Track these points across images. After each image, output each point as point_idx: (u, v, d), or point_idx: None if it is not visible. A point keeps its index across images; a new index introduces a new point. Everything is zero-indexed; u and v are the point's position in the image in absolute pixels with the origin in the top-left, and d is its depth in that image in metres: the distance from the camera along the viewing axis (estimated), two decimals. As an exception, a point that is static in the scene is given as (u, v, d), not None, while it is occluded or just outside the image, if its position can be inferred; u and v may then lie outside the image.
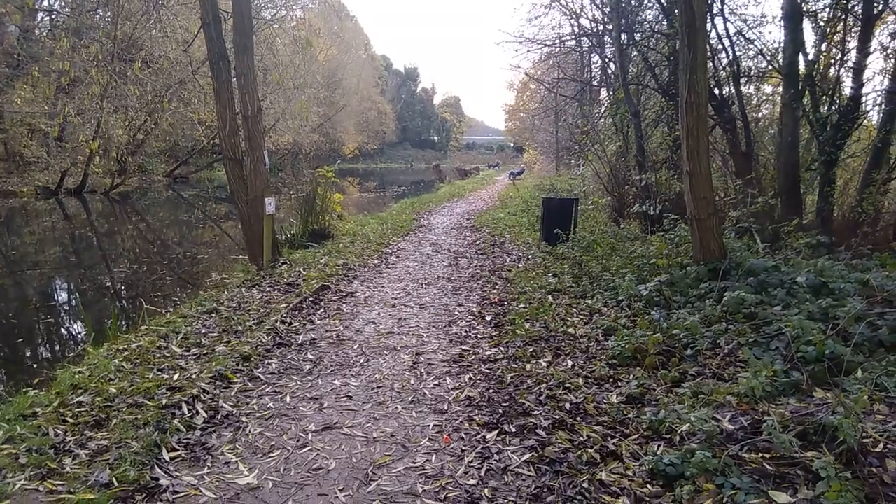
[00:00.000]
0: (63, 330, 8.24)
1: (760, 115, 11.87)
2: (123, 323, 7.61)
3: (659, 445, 3.58)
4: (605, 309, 6.51)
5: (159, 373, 4.86)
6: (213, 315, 6.63)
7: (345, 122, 60.44)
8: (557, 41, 22.49)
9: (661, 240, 8.19)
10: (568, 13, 21.41)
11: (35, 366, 6.58)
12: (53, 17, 24.57)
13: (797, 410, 3.58)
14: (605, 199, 14.56)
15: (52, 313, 8.88)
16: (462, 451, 3.74)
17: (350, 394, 4.65)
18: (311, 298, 7.43)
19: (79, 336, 7.78)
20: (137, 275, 11.25)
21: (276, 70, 15.24)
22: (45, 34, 24.01)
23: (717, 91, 10.15)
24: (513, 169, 47.77)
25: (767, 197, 8.44)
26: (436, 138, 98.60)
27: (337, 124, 56.75)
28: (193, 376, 4.76)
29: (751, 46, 11.42)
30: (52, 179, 24.25)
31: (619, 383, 4.58)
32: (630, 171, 13.08)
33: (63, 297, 10.26)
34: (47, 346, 7.55)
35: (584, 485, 3.27)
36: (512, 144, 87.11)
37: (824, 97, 9.15)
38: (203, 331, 6.06)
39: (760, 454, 3.27)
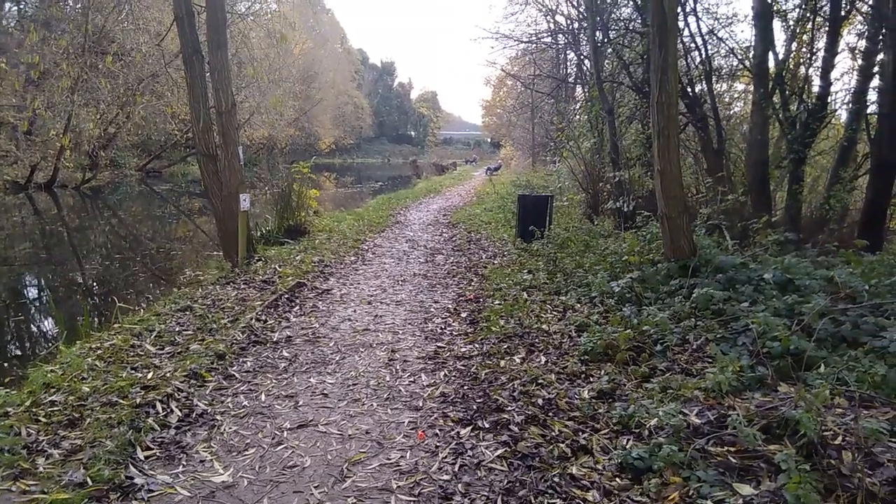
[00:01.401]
0: (34, 328, 8.13)
1: (732, 112, 12.08)
2: (96, 320, 7.53)
3: (628, 440, 3.67)
4: (579, 305, 6.60)
5: (133, 371, 4.84)
6: (188, 312, 6.60)
7: (321, 116, 60.08)
8: (534, 38, 22.59)
9: (633, 237, 8.31)
10: (544, 10, 21.54)
11: (6, 364, 6.49)
12: (22, 7, 24.06)
13: (762, 405, 3.69)
14: (580, 195, 14.72)
15: (23, 311, 8.75)
16: (436, 447, 3.79)
17: (325, 391, 4.68)
18: (286, 296, 7.43)
19: (50, 334, 7.68)
20: (110, 271, 11.12)
21: (250, 64, 15.10)
22: (13, 25, 23.50)
23: (689, 89, 10.31)
24: (490, 164, 47.92)
25: (738, 194, 8.61)
26: (413, 133, 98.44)
27: (313, 119, 56.38)
28: (168, 375, 4.75)
29: (722, 45, 11.62)
30: (22, 174, 23.77)
31: (591, 379, 4.66)
32: (604, 168, 13.24)
33: (34, 294, 10.11)
34: (18, 344, 7.45)
35: (556, 479, 3.34)
36: (489, 140, 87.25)
37: (793, 96, 9.35)
38: (177, 329, 6.03)
39: (726, 447, 3.37)
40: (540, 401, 4.29)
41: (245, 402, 4.47)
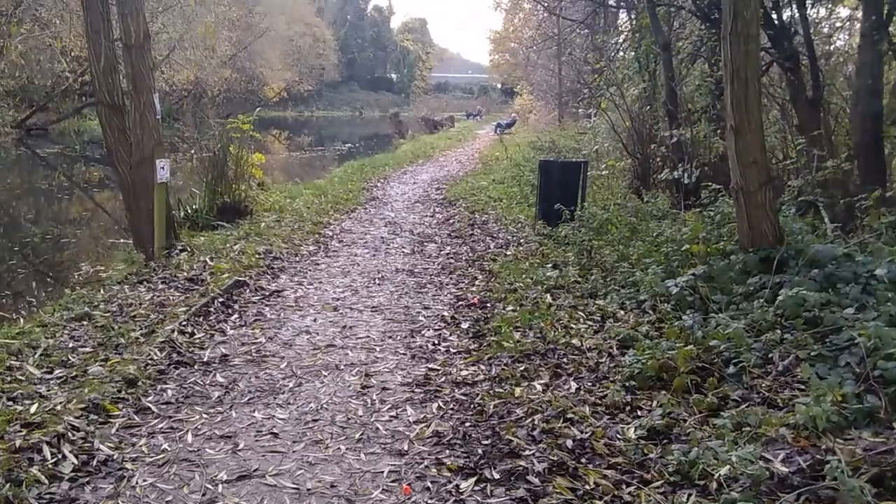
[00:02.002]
0: None
1: (833, 48, 12.05)
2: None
3: (689, 495, 3.69)
4: (622, 312, 6.61)
5: (10, 403, 4.83)
6: (85, 322, 6.58)
7: (267, 52, 59.79)
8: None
9: (697, 218, 8.31)
10: None
11: None
12: None
13: (872, 447, 3.71)
14: (624, 161, 14.70)
15: None
16: (428, 505, 3.81)
17: (275, 430, 4.68)
18: (221, 299, 7.43)
19: None
20: (-24, 266, 11.09)
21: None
22: None
23: (774, 16, 10.29)
24: (500, 119, 47.94)
25: (840, 160, 8.60)
26: (394, 76, 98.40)
27: (256, 56, 56.13)
28: (58, 407, 4.75)
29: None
30: None
31: (639, 412, 4.68)
32: (657, 124, 13.22)
33: None
34: None
35: (591, 549, 3.37)
36: (499, 86, 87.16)
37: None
38: (71, 344, 6.02)
39: (822, 505, 3.40)
40: (569, 442, 4.31)
41: (165, 444, 4.47)
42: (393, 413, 4.94)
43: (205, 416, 4.90)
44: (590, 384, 5.18)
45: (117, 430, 4.63)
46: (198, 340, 6.33)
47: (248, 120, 13.03)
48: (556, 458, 4.13)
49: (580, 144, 20.36)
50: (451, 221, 12.63)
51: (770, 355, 5.06)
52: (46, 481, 3.98)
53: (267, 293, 7.93)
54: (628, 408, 4.77)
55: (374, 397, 5.20)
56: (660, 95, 13.18)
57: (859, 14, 10.15)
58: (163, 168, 8.96)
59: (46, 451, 4.23)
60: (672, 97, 12.30)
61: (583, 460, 4.13)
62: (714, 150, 11.08)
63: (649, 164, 13.31)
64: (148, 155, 8.90)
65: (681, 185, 11.11)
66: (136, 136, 8.87)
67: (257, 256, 9.32)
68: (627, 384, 5.08)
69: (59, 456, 4.22)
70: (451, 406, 4.99)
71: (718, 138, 10.97)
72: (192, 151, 13.44)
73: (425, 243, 10.84)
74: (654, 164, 13.22)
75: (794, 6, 10.39)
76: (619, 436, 4.38)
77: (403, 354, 6.11)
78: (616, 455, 4.16)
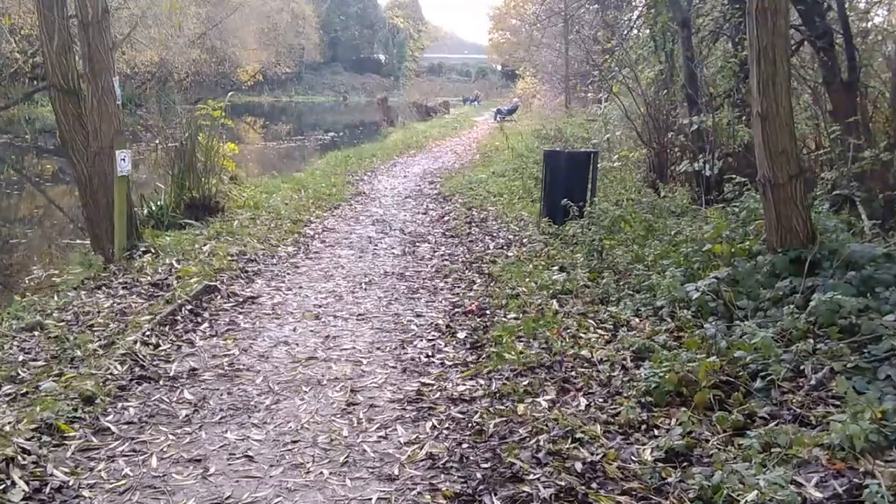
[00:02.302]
0: None
1: (870, 24, 12.06)
2: None
3: (713, 524, 3.69)
4: (637, 320, 6.62)
5: (-47, 423, 4.82)
6: (37, 333, 6.57)
7: (241, 30, 59.73)
8: None
9: (720, 215, 8.31)
10: None
11: None
12: None
13: (915, 469, 3.71)
14: (639, 152, 14.72)
15: None
16: (420, 536, 3.81)
17: (250, 452, 4.67)
18: (189, 306, 7.42)
19: None
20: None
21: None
22: None
23: (805, -11, 10.29)
24: (500, 105, 47.97)
25: (879, 149, 8.61)
26: (382, 57, 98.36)
27: (228, 35, 56.01)
28: (7, 428, 4.72)
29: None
30: None
31: (656, 432, 4.68)
32: (675, 110, 13.23)
33: None
34: None
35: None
36: (499, 68, 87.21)
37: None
38: (21, 358, 6.01)
39: (860, 534, 3.40)
40: (578, 465, 4.31)
41: (127, 469, 4.46)
42: (381, 433, 4.92)
43: (171, 437, 4.88)
44: (601, 400, 5.18)
45: (73, 454, 4.61)
46: (163, 353, 6.31)
47: (220, 106, 12.97)
48: (563, 484, 4.12)
49: (589, 133, 20.36)
50: (445, 219, 12.61)
51: (802, 367, 5.06)
52: (-7, 511, 3.97)
53: (241, 300, 7.92)
54: (644, 427, 4.76)
55: (361, 416, 5.19)
56: (678, 78, 13.18)
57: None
58: (124, 160, 8.93)
59: (-6, 476, 4.22)
60: (692, 80, 12.30)
61: (593, 485, 4.13)
62: (738, 138, 11.07)
63: (666, 154, 13.32)
64: (107, 145, 8.87)
65: (702, 177, 11.11)
66: (93, 123, 8.84)
67: (230, 258, 9.30)
68: (643, 400, 5.07)
69: (8, 482, 4.19)
70: (447, 425, 4.98)
71: (743, 126, 10.98)
72: (157, 141, 13.37)
73: (417, 243, 10.83)
74: (671, 154, 13.22)
75: (828, -22, 10.39)
76: (633, 458, 4.37)
77: (393, 368, 6.10)
78: (631, 479, 4.16)
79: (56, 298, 7.65)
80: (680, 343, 5.86)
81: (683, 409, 4.87)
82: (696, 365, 5.15)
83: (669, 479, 4.11)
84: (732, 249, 7.14)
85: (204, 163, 12.40)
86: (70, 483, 4.28)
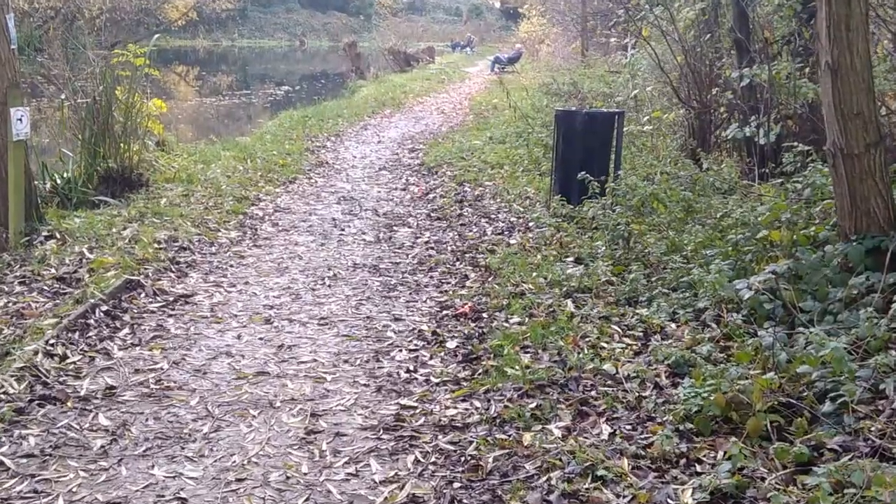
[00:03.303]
0: None
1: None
2: None
3: (771, 585, 3.69)
4: (673, 326, 6.61)
5: None
6: None
7: (169, -45, 59.53)
8: None
9: (778, 193, 8.30)
10: None
11: None
12: None
13: None
14: (675, 113, 14.69)
15: None
16: None
17: (183, 494, 4.63)
18: (104, 307, 7.37)
19: None
20: None
21: None
22: None
23: None
24: (499, 53, 47.87)
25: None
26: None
27: (153, -39, 55.83)
28: None
29: None
30: None
31: (699, 467, 4.66)
32: (721, 60, 13.21)
33: None
34: None
35: None
36: (497, 5, 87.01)
37: None
38: None
39: None
40: (600, 511, 4.30)
41: (26, 515, 4.44)
42: (351, 469, 4.89)
43: (83, 473, 4.83)
44: (629, 427, 5.15)
45: (-43, 495, 4.59)
46: (72, 366, 6.26)
47: (142, 52, 12.84)
48: (581, 534, 4.13)
49: (612, 88, 20.33)
50: (430, 197, 12.58)
51: (882, 387, 5.06)
52: None
53: (170, 298, 7.87)
54: (683, 461, 4.74)
55: (325, 447, 5.15)
56: (724, 20, 13.16)
57: None
58: (20, 119, 8.84)
59: None
60: (742, 22, 12.29)
61: (620, 536, 4.13)
62: (801, 96, 11.07)
63: (710, 116, 13.31)
64: (-1, 101, 8.80)
65: (754, 145, 11.11)
66: (-21, 73, 8.77)
67: (156, 246, 9.21)
68: (682, 428, 5.05)
69: None
70: (434, 459, 4.96)
71: (807, 80, 10.96)
72: (63, 97, 13.22)
73: (395, 227, 10.81)
74: (716, 116, 13.22)
75: None
76: (670, 501, 4.35)
77: (365, 386, 6.06)
78: (667, 529, 4.16)
79: (-66, 296, 7.60)
80: (728, 355, 5.84)
81: (733, 438, 4.86)
82: (749, 383, 5.13)
83: (716, 529, 4.11)
84: (794, 237, 7.13)
85: (123, 124, 12.25)
86: (-46, 533, 4.26)
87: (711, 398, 5.10)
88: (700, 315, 6.68)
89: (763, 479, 4.45)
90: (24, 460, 4.98)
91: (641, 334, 6.57)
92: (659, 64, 14.69)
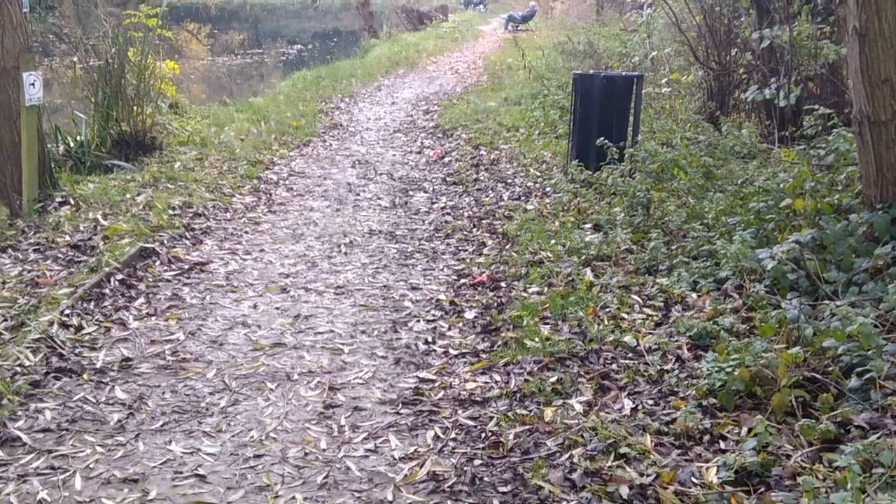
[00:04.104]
0: None
1: None
2: None
3: (799, 569, 3.65)
4: (695, 296, 6.56)
5: None
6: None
7: None
8: None
9: (800, 158, 8.21)
10: None
11: None
12: None
13: None
14: (693, 74, 14.58)
15: None
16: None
17: (201, 470, 4.62)
18: (119, 276, 7.37)
19: None
20: None
21: None
22: None
23: None
24: (513, 11, 47.57)
25: None
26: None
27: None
28: None
29: None
30: None
31: (723, 444, 4.63)
32: (741, 19, 13.08)
33: None
34: None
35: None
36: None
37: None
38: None
39: None
40: (624, 490, 4.26)
41: (43, 492, 4.41)
42: (370, 445, 4.88)
43: (99, 449, 4.82)
44: (651, 402, 5.13)
45: (-27, 472, 4.57)
46: (87, 337, 6.26)
47: (155, 13, 12.80)
48: (605, 514, 4.09)
49: (629, 48, 20.13)
50: (446, 160, 12.54)
51: (910, 361, 5.00)
52: None
53: (185, 266, 7.87)
54: (707, 438, 4.72)
55: (343, 422, 5.14)
56: (744, -21, 13.02)
57: None
58: (33, 84, 8.82)
59: None
60: (762, -20, 12.17)
61: (643, 515, 4.09)
62: (822, 57, 10.94)
63: (729, 77, 13.20)
64: (11, 65, 8.77)
65: (774, 108, 11.02)
66: (-9, 36, 8.72)
67: (171, 213, 9.23)
68: (705, 403, 5.02)
69: None
70: (454, 435, 4.95)
71: (828, 41, 10.84)
72: (76, 58, 13.17)
73: (411, 192, 10.81)
74: (735, 77, 13.11)
75: None
76: (694, 479, 4.32)
77: (383, 358, 6.06)
78: (691, 508, 4.11)
79: (-51, 264, 7.59)
80: (751, 327, 5.81)
81: (757, 414, 4.82)
82: (774, 357, 5.09)
83: (741, 509, 4.07)
84: (818, 205, 7.06)
85: (136, 87, 12.23)
86: (-30, 511, 4.24)
87: (735, 373, 5.05)
88: (722, 285, 6.64)
89: (788, 456, 4.43)
90: (41, 435, 4.98)
91: (662, 304, 6.54)
92: (676, 23, 14.58)
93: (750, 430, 4.67)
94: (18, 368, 5.62)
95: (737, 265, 6.66)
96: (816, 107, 9.48)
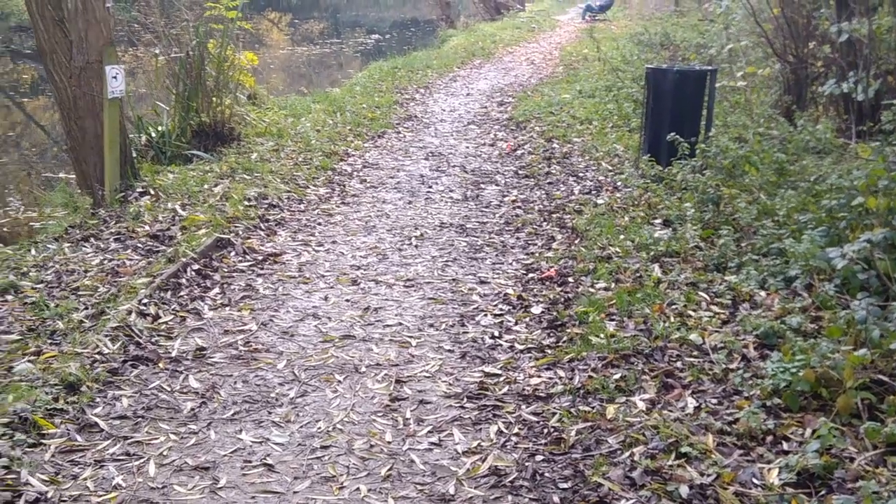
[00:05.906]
0: None
1: None
2: None
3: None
4: (763, 294, 6.48)
5: None
6: (10, 297, 6.65)
7: None
8: None
9: (876, 155, 8.11)
10: None
11: None
12: None
13: None
14: (770, 68, 14.39)
15: None
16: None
17: (269, 459, 4.70)
18: (195, 266, 7.46)
19: None
20: None
21: None
22: None
23: None
24: (591, 0, 47.21)
25: None
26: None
27: None
28: (-28, 422, 4.81)
29: None
30: None
31: (785, 445, 4.60)
32: (820, 10, 12.89)
33: None
34: None
35: None
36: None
37: None
38: (-12, 330, 6.09)
39: None
40: (684, 489, 4.26)
41: (118, 478, 4.50)
42: (434, 439, 4.92)
43: (173, 437, 4.92)
44: (714, 402, 5.10)
45: (53, 456, 4.67)
46: (164, 326, 6.36)
47: (235, 5, 12.88)
48: (664, 513, 4.10)
49: (706, 39, 19.89)
50: (518, 153, 12.49)
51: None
52: (-43, 529, 4.05)
53: (259, 258, 7.94)
54: (770, 439, 4.68)
55: (408, 415, 5.19)
56: (823, -30, 12.82)
57: None
58: (115, 77, 8.92)
59: (-44, 485, 4.29)
60: (841, -27, 11.99)
61: (703, 516, 4.09)
62: (903, 51, 10.77)
63: (806, 71, 13.02)
64: (95, 59, 8.89)
65: (851, 102, 10.87)
66: (77, 31, 8.82)
67: (246, 204, 9.30)
68: (769, 403, 4.97)
69: (-26, 493, 4.27)
70: (516, 430, 4.96)
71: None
72: (158, 51, 13.31)
73: (482, 185, 10.79)
74: (813, 70, 12.92)
75: None
76: (755, 481, 4.30)
77: (449, 352, 6.08)
78: (751, 510, 4.11)
79: (34, 252, 7.74)
80: (819, 328, 5.73)
81: (822, 417, 4.78)
82: (840, 358, 5.04)
83: (801, 512, 4.05)
84: (891, 204, 6.96)
85: (215, 78, 12.35)
86: (49, 495, 4.33)
87: (800, 373, 5.01)
88: (791, 283, 6.56)
89: (852, 459, 4.39)
90: (117, 422, 5.09)
91: (730, 302, 6.46)
92: (753, 15, 14.39)
93: (814, 432, 4.62)
94: (98, 356, 5.72)
95: (806, 264, 6.60)
96: (895, 101, 9.33)
